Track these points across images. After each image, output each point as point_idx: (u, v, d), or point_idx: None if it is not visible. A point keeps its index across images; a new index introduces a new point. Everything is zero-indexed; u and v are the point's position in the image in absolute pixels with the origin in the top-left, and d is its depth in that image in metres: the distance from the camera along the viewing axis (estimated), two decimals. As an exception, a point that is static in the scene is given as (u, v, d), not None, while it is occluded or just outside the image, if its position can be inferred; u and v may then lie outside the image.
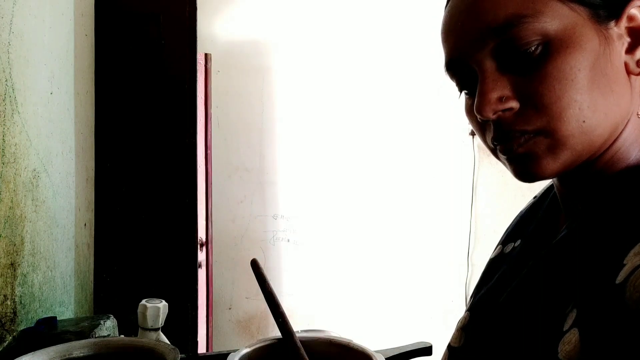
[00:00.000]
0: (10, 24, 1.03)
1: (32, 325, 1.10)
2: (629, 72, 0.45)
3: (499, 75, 0.45)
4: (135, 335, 1.09)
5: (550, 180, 0.56)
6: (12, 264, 1.03)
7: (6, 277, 1.01)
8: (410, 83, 2.72)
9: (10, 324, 1.03)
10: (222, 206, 2.56)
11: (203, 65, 2.13)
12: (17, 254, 1.06)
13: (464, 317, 0.59)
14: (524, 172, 0.46)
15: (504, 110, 0.45)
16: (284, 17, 2.65)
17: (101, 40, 1.64)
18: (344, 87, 2.69)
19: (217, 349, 2.30)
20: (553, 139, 0.44)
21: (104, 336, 1.10)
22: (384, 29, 2.70)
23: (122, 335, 1.20)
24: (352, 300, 2.68)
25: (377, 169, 2.72)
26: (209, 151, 2.12)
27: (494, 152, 0.50)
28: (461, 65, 0.48)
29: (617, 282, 0.36)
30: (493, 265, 0.61)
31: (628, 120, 0.46)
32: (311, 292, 2.66)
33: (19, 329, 1.06)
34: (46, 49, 1.26)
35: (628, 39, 0.45)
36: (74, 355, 0.82)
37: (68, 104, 1.43)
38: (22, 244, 1.09)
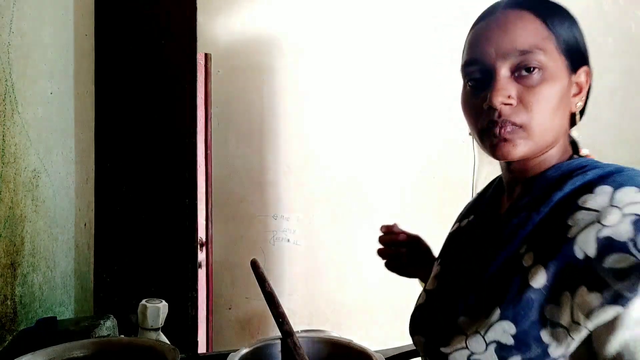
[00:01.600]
0: (10, 24, 1.03)
1: (32, 325, 1.10)
2: (570, 110, 0.70)
3: (510, 81, 0.67)
4: (135, 335, 1.09)
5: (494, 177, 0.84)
6: (12, 264, 1.03)
7: (6, 277, 1.01)
8: (411, 83, 2.72)
9: (10, 324, 1.03)
10: (222, 206, 2.56)
11: (203, 65, 2.13)
12: (17, 254, 1.06)
13: (436, 269, 0.82)
14: (502, 150, 0.67)
15: (506, 104, 0.66)
16: (284, 17, 2.65)
17: (101, 40, 1.64)
18: (344, 86, 2.69)
19: (217, 349, 2.30)
20: (527, 132, 0.66)
21: (104, 336, 1.10)
22: (385, 29, 2.69)
23: (122, 335, 1.20)
24: (352, 300, 2.68)
25: (377, 169, 2.72)
26: (209, 151, 2.12)
27: (480, 133, 0.69)
28: (482, 66, 0.69)
29: (569, 236, 0.60)
30: (454, 235, 0.86)
31: (561, 138, 0.70)
32: (311, 292, 2.66)
33: (19, 329, 1.06)
34: (46, 49, 1.26)
35: (575, 88, 0.70)
36: (74, 355, 0.82)
37: (68, 104, 1.43)
38: (22, 244, 1.09)
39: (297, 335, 0.83)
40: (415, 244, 1.04)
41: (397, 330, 2.71)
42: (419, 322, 0.78)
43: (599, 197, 0.61)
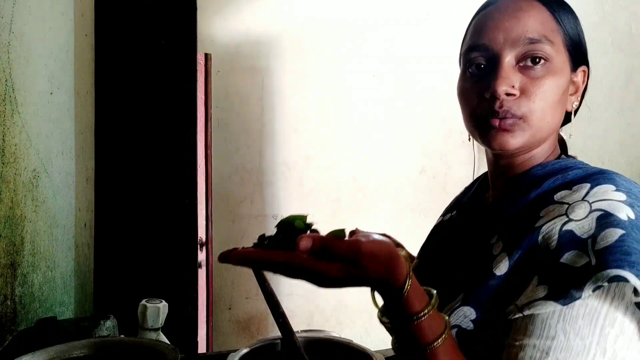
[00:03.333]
0: (10, 24, 1.03)
1: (32, 325, 1.10)
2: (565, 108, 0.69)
3: (515, 71, 0.65)
4: (135, 335, 1.09)
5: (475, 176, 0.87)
6: (12, 264, 1.03)
7: (6, 277, 1.01)
8: (411, 84, 2.72)
9: (10, 324, 1.03)
10: (222, 206, 2.55)
11: (203, 65, 2.13)
12: (17, 254, 1.06)
13: (415, 262, 0.80)
14: (499, 141, 0.66)
15: (509, 94, 0.64)
16: (284, 17, 2.65)
17: (101, 40, 1.64)
18: (344, 86, 2.69)
19: (217, 349, 2.30)
20: (527, 123, 0.65)
21: (104, 336, 1.10)
22: (385, 28, 2.69)
23: (122, 335, 1.20)
24: (352, 300, 2.68)
25: (377, 169, 2.72)
26: (209, 151, 2.12)
27: (477, 121, 0.68)
28: (487, 52, 0.67)
29: (536, 225, 0.60)
30: (436, 229, 0.87)
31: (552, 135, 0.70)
32: (311, 292, 2.66)
33: (19, 329, 1.06)
34: (46, 49, 1.26)
35: (572, 88, 0.70)
36: (74, 355, 0.82)
37: (68, 104, 1.43)
38: (22, 244, 1.09)
39: (297, 335, 0.83)
40: None
41: (397, 330, 2.71)
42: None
43: (576, 193, 0.60)
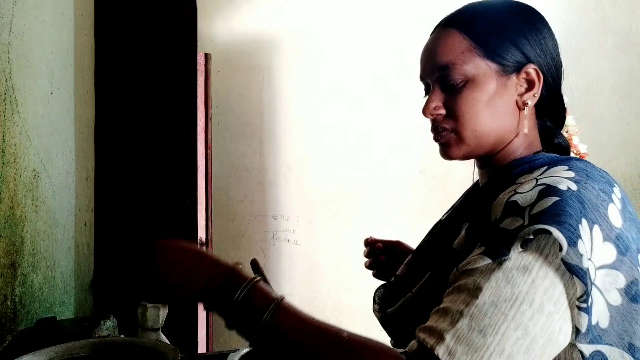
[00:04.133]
0: (10, 24, 1.03)
1: (32, 325, 1.10)
2: (518, 107, 0.74)
3: (439, 93, 0.75)
4: (135, 335, 1.09)
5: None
6: (12, 264, 1.03)
7: (6, 277, 1.01)
8: (411, 83, 2.72)
9: (10, 324, 1.03)
10: (222, 206, 2.55)
11: (203, 65, 2.13)
12: (17, 254, 1.06)
13: (409, 257, 0.89)
14: (443, 153, 0.77)
15: (435, 114, 0.75)
16: (284, 16, 2.65)
17: (101, 40, 1.64)
18: (344, 86, 2.69)
19: (217, 349, 2.30)
20: (457, 136, 0.74)
21: (104, 336, 1.10)
22: (385, 28, 2.69)
23: (122, 335, 1.20)
24: (352, 300, 2.68)
25: (377, 169, 2.72)
26: (209, 151, 2.12)
27: (434, 137, 0.78)
28: (423, 81, 0.79)
29: (490, 203, 0.64)
30: (432, 228, 0.92)
31: (516, 135, 0.75)
32: (311, 292, 2.66)
33: (19, 329, 1.06)
34: (46, 49, 1.26)
35: (525, 85, 0.73)
36: (74, 355, 0.82)
37: (68, 104, 1.43)
38: (22, 244, 1.09)
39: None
40: (394, 248, 1.09)
41: (397, 330, 2.71)
42: (380, 298, 0.88)
43: (531, 174, 0.65)
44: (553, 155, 0.72)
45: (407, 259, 0.89)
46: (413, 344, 0.58)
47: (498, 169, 0.76)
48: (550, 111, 0.78)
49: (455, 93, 0.72)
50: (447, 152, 0.76)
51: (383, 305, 0.84)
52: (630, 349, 0.57)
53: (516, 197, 0.61)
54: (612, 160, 2.77)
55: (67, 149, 1.42)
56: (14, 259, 1.05)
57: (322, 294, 2.67)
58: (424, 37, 0.82)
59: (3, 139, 1.00)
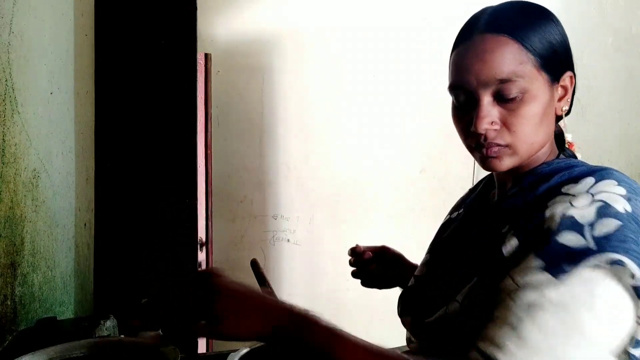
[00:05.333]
0: (10, 24, 1.03)
1: (32, 325, 1.10)
2: (556, 113, 0.74)
3: (492, 107, 0.70)
4: (136, 335, 1.09)
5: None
6: (12, 264, 1.03)
7: (6, 277, 1.01)
8: (411, 83, 2.72)
9: (10, 324, 1.02)
10: (222, 206, 2.55)
11: (203, 65, 2.12)
12: (17, 254, 1.06)
13: (426, 257, 0.88)
14: (490, 166, 0.73)
15: (490, 130, 0.70)
16: (285, 16, 2.65)
17: (101, 40, 1.64)
18: (344, 86, 2.69)
19: (217, 349, 2.30)
20: (513, 151, 0.71)
21: (104, 336, 1.10)
22: (385, 28, 2.69)
23: (122, 335, 1.20)
24: (352, 300, 2.68)
25: (377, 169, 2.72)
26: (209, 151, 2.12)
27: (470, 149, 0.76)
28: (465, 90, 0.72)
29: (542, 212, 0.64)
30: (444, 227, 0.91)
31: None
32: (311, 292, 2.66)
33: (19, 329, 1.06)
34: (46, 49, 1.26)
35: (562, 92, 0.74)
36: (74, 355, 0.82)
37: (68, 104, 1.43)
38: (22, 244, 1.09)
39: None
40: (382, 254, 1.08)
41: (397, 330, 2.71)
42: (407, 303, 0.84)
43: (581, 185, 0.65)
44: (583, 163, 0.73)
45: (424, 259, 0.89)
46: (474, 354, 0.61)
47: (525, 172, 0.74)
48: None
49: (513, 107, 0.69)
50: (495, 164, 0.72)
51: (408, 310, 0.82)
52: None
53: (573, 212, 0.61)
54: (612, 160, 2.77)
55: (67, 149, 1.42)
56: (14, 259, 1.05)
57: (322, 294, 2.67)
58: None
59: (3, 139, 1.00)
